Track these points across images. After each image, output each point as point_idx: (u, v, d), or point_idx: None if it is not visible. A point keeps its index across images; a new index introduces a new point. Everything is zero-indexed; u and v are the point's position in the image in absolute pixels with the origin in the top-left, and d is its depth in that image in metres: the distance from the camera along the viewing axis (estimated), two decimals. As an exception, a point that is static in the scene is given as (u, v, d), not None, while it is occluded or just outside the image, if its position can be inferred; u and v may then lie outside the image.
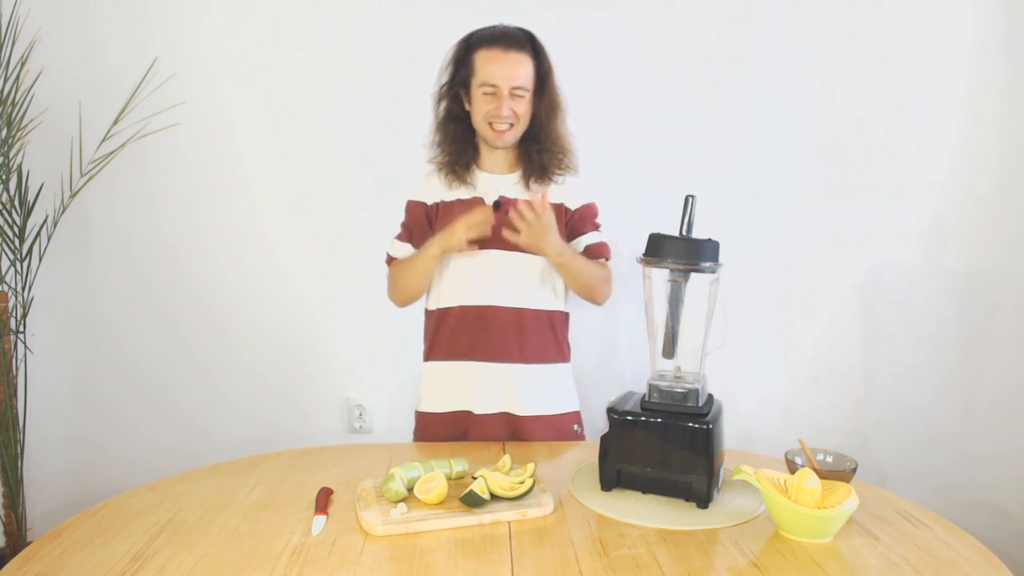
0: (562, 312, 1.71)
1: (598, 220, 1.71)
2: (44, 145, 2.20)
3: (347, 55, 2.24)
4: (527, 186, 1.63)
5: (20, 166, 2.14)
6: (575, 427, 1.72)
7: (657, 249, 1.27)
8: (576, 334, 1.78)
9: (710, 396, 1.34)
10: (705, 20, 2.22)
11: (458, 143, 1.63)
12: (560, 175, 1.66)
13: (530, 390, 1.64)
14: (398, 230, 1.71)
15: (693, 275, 1.28)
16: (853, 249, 2.30)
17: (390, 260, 1.71)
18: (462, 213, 1.58)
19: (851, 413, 2.36)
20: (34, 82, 2.14)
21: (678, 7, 2.21)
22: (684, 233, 1.29)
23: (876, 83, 2.23)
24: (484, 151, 1.65)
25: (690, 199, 1.29)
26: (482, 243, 1.58)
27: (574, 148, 1.69)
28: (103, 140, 2.19)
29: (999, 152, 2.25)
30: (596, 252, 1.69)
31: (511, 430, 1.64)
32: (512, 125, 1.58)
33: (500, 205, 1.59)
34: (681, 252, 1.26)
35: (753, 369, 2.34)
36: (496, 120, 1.56)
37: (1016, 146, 2.24)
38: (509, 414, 1.63)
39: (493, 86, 1.54)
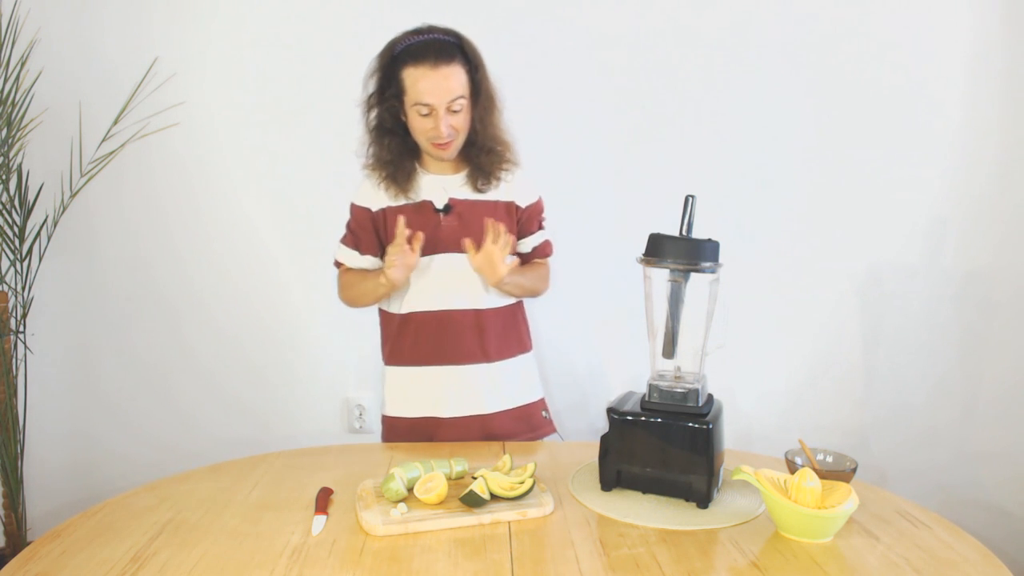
0: (517, 303, 1.71)
1: (543, 216, 1.73)
2: (44, 145, 2.20)
3: (347, 53, 2.22)
4: (475, 187, 1.61)
5: (20, 166, 2.14)
6: (543, 413, 1.73)
7: (657, 249, 1.27)
8: (577, 333, 1.78)
9: (710, 396, 1.34)
10: (705, 20, 2.21)
11: (396, 155, 1.58)
12: (505, 172, 1.64)
13: (496, 387, 1.64)
14: (343, 231, 1.68)
15: (693, 275, 1.28)
16: (852, 249, 2.30)
17: (338, 263, 1.70)
18: (413, 219, 1.55)
19: (850, 412, 2.37)
20: (34, 82, 2.14)
21: (677, 6, 2.21)
22: (684, 233, 1.29)
23: (875, 83, 2.23)
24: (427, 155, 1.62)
25: (690, 199, 1.29)
26: (437, 247, 1.57)
27: (513, 140, 1.65)
28: (103, 140, 2.19)
29: (998, 152, 2.25)
30: (541, 251, 1.73)
31: (481, 429, 1.63)
32: (453, 139, 1.54)
33: (451, 208, 1.58)
34: (681, 252, 1.26)
35: (753, 368, 2.34)
36: (436, 140, 1.52)
37: (1014, 146, 2.24)
38: (477, 415, 1.63)
39: (428, 105, 1.48)
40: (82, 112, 2.21)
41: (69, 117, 2.21)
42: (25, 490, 2.24)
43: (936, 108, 2.24)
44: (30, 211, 2.17)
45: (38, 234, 2.18)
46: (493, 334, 1.63)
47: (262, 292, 2.33)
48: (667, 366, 1.33)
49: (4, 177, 2.10)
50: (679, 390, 1.28)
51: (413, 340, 1.62)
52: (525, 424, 1.67)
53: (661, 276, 1.29)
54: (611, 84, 2.24)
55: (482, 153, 1.60)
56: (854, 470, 1.29)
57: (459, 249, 1.55)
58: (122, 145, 2.20)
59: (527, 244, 1.70)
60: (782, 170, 2.28)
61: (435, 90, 1.47)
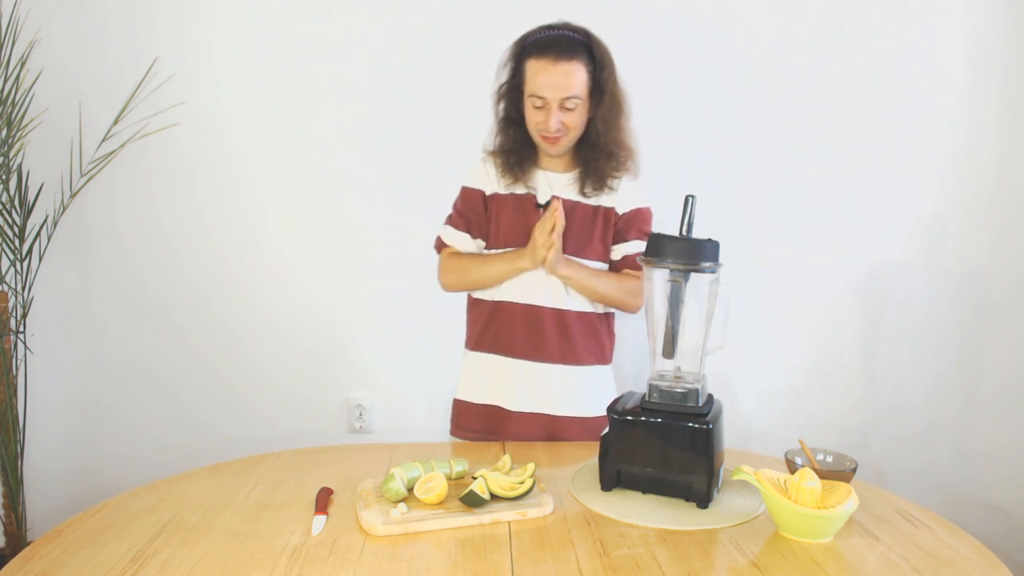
0: (603, 314, 1.69)
1: (646, 228, 1.67)
2: (44, 145, 2.20)
3: (346, 53, 2.24)
4: (581, 189, 1.61)
5: (20, 166, 2.14)
6: None
7: (657, 249, 1.27)
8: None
9: (710, 396, 1.34)
10: (704, 20, 2.22)
11: (517, 146, 1.62)
12: (615, 179, 1.63)
13: (568, 391, 1.64)
14: (450, 214, 1.69)
15: (693, 275, 1.28)
16: (851, 248, 2.30)
17: (441, 246, 1.70)
18: (514, 208, 1.61)
19: (850, 411, 2.37)
20: (34, 82, 2.14)
21: (676, 6, 2.21)
22: (684, 233, 1.29)
23: (873, 82, 2.23)
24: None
25: (690, 199, 1.29)
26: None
27: (637, 148, 1.64)
28: (103, 140, 2.19)
29: (996, 151, 2.25)
30: (631, 262, 1.66)
31: (547, 430, 1.63)
32: (562, 135, 1.55)
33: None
34: (681, 252, 1.26)
35: (753, 368, 2.34)
36: (545, 133, 1.55)
37: (1012, 145, 2.24)
38: (546, 414, 1.63)
39: (541, 98, 1.52)
40: (82, 112, 2.21)
41: (69, 117, 2.21)
42: (25, 490, 2.24)
43: (935, 107, 2.24)
44: (30, 211, 2.17)
45: (38, 234, 2.18)
46: (574, 337, 1.63)
47: (262, 292, 2.33)
48: (667, 366, 1.33)
49: (4, 177, 2.10)
50: (679, 390, 1.28)
51: (499, 329, 1.64)
52: (593, 436, 1.62)
53: (661, 276, 1.29)
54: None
55: (602, 157, 1.60)
56: (854, 470, 1.29)
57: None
58: (122, 145, 2.20)
59: (617, 251, 1.66)
60: (781, 170, 2.28)
61: (550, 85, 1.50)
